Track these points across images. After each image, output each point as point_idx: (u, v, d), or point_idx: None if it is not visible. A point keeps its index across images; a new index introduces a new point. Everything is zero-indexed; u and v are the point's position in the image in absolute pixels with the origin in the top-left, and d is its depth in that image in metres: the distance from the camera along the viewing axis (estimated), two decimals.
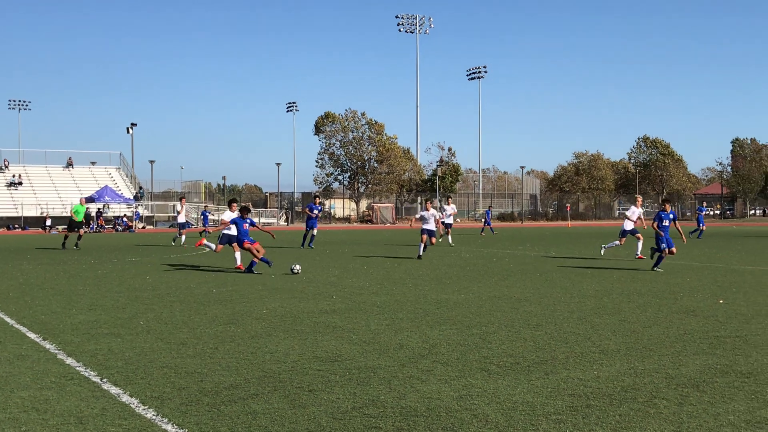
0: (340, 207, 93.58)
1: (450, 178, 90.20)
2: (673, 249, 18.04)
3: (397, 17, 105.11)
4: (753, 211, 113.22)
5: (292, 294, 13.81)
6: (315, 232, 28.94)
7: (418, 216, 24.10)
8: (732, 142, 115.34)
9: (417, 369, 7.43)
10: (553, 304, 12.19)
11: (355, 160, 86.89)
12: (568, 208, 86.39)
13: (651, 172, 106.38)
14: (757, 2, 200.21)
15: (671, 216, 18.22)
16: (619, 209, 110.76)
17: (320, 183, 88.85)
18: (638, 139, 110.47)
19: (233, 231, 19.19)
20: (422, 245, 23.13)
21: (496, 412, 5.95)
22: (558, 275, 17.33)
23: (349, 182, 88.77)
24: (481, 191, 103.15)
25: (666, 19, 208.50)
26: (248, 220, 18.89)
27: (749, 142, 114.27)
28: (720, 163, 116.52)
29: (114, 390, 6.71)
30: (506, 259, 23.02)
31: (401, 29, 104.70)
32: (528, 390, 6.60)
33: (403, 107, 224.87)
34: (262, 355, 8.17)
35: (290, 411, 5.99)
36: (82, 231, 30.76)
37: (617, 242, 23.18)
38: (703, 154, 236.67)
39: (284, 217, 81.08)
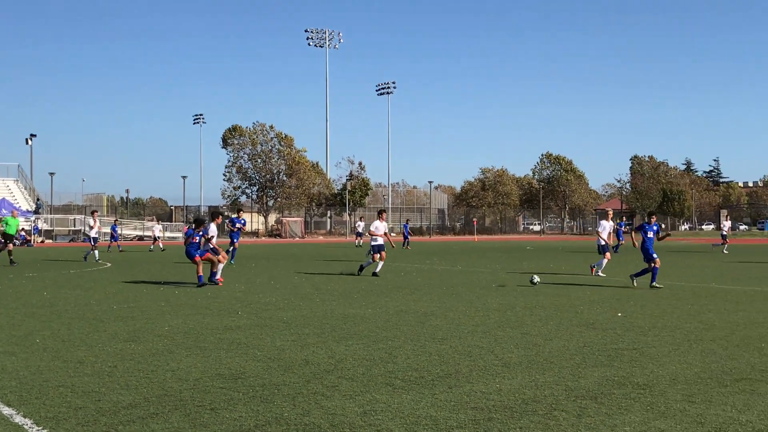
0: (248, 221, 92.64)
1: (360, 192, 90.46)
2: (658, 261, 18.06)
3: (306, 31, 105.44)
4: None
5: (196, 310, 13.56)
6: (237, 245, 28.37)
7: (372, 228, 22.58)
8: (631, 159, 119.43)
9: (322, 385, 7.38)
10: (458, 318, 12.32)
11: (263, 174, 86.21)
12: (475, 223, 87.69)
13: (554, 187, 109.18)
14: (653, 23, 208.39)
15: (655, 228, 18.46)
16: (523, 224, 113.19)
17: (228, 197, 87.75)
18: (542, 155, 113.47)
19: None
20: (370, 262, 21.85)
21: (400, 426, 5.95)
22: (464, 289, 17.54)
23: (257, 196, 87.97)
24: (390, 205, 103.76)
25: (566, 39, 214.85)
26: (202, 233, 18.72)
27: (647, 159, 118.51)
28: (619, 180, 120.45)
29: (6, 410, 6.44)
30: (414, 273, 23.17)
31: (310, 43, 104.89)
32: (431, 404, 6.63)
33: (314, 121, 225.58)
34: (163, 373, 7.97)
35: (190, 430, 5.86)
36: (10, 246, 28.32)
37: (605, 259, 21.97)
38: (604, 171, 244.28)
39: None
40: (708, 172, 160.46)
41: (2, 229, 28.67)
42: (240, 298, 15.52)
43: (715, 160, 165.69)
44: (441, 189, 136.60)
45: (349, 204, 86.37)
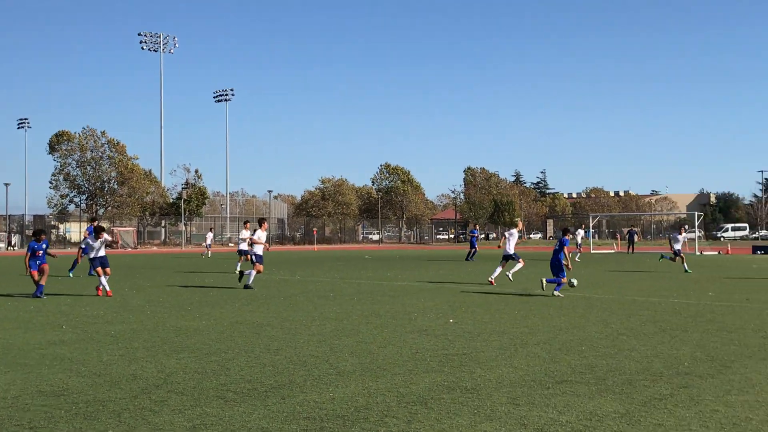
0: (76, 231, 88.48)
1: (196, 201, 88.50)
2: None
3: (139, 35, 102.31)
4: (484, 235, 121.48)
5: (18, 324, 12.81)
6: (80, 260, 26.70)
7: (256, 237, 21.61)
8: (465, 170, 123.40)
9: (150, 400, 7.14)
10: (294, 328, 12.27)
11: (93, 182, 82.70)
12: (315, 232, 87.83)
13: (392, 198, 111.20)
14: (473, 34, 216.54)
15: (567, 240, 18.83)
16: (363, 233, 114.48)
17: (54, 205, 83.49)
18: (381, 166, 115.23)
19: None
20: (251, 272, 20.94)
21: None
22: (302, 299, 17.50)
23: (86, 205, 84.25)
24: (228, 215, 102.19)
25: (399, 53, 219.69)
26: (44, 243, 17.92)
27: (479, 170, 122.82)
28: (454, 191, 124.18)
29: None
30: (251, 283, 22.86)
31: (144, 47, 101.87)
32: (264, 415, 6.56)
33: (148, 128, 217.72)
34: None
35: None
36: None
37: (520, 264, 22.27)
38: (439, 182, 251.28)
39: (9, 242, 73.85)
40: (536, 184, 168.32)
41: None
42: (65, 312, 14.80)
43: (542, 172, 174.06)
44: (281, 198, 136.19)
45: (185, 213, 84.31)
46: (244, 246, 27.08)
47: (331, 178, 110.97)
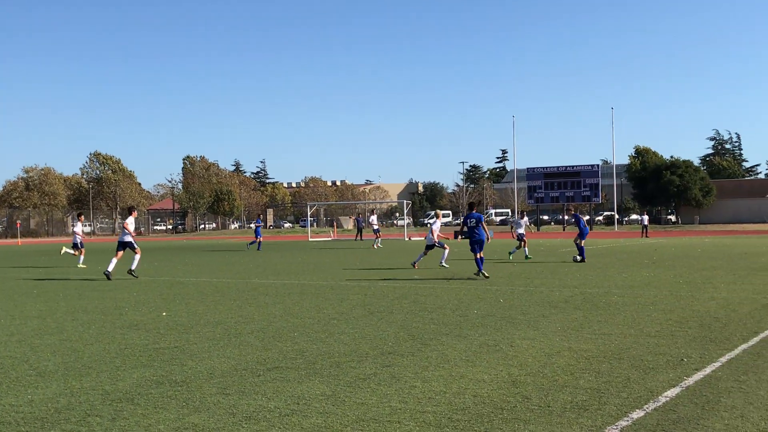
0: None
1: None
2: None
3: None
4: (204, 225, 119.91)
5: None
6: None
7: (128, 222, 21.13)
8: (183, 159, 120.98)
9: None
10: None
11: None
12: (18, 225, 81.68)
13: (104, 187, 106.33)
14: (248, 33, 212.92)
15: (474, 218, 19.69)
16: (72, 225, 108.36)
17: None
18: (90, 154, 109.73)
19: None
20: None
21: None
22: (0, 297, 16.24)
23: None
24: None
25: (111, 41, 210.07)
26: None
27: (199, 159, 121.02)
28: (171, 180, 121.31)
29: None
30: None
31: None
32: None
33: None
34: None
35: None
36: None
37: (446, 251, 23.13)
38: (156, 171, 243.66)
39: None
40: (255, 173, 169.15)
41: None
42: None
43: (261, 162, 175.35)
44: None
45: None
46: None
47: (35, 167, 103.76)
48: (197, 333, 10.68)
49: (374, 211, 30.38)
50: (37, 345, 9.84)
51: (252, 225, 36.59)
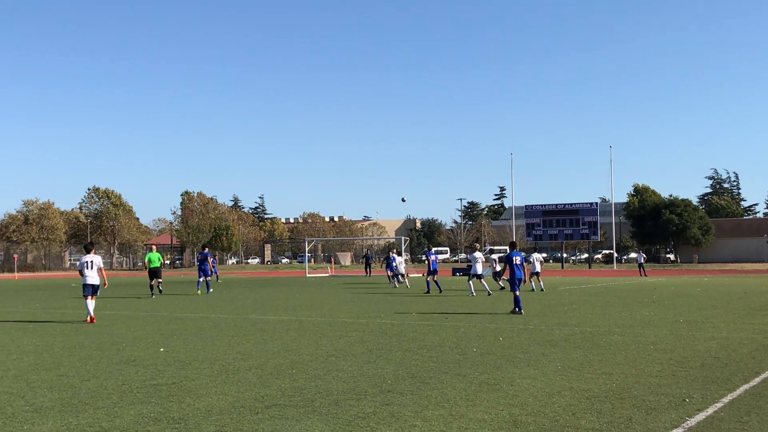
0: None
1: None
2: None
3: None
4: None
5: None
6: None
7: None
8: (182, 194, 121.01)
9: None
10: None
11: None
12: (15, 259, 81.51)
13: (103, 222, 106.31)
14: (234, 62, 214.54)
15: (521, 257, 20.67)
16: (70, 259, 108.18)
17: None
18: (89, 189, 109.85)
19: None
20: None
21: None
22: None
23: None
24: None
25: (110, 70, 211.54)
26: None
27: (197, 195, 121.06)
28: (174, 213, 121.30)
29: None
30: None
31: None
32: None
33: None
34: None
35: None
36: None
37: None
38: (154, 206, 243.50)
39: None
40: (254, 209, 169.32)
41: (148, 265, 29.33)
42: None
43: (260, 197, 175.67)
44: None
45: None
46: None
47: (35, 201, 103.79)
48: (195, 369, 10.60)
49: (398, 252, 30.26)
50: (33, 380, 9.76)
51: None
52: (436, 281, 30.18)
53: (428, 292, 29.70)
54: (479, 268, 26.79)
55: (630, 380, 9.43)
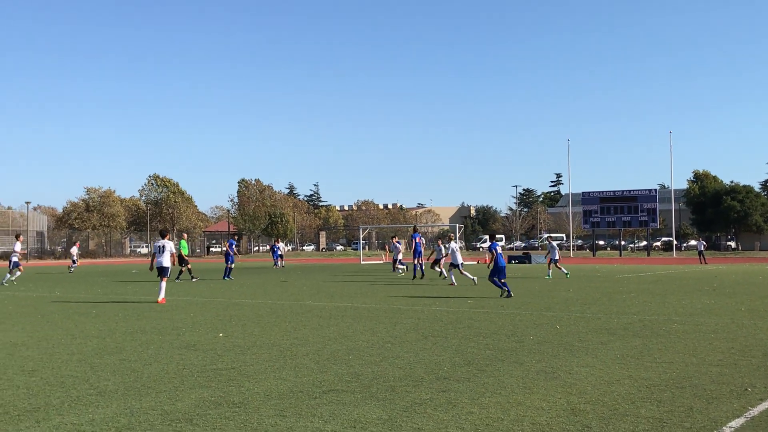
0: None
1: None
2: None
3: None
4: (258, 248, 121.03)
5: None
6: None
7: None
8: (239, 182, 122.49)
9: None
10: (52, 347, 11.59)
11: None
12: (78, 246, 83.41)
13: (162, 209, 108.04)
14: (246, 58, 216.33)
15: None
16: (130, 246, 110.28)
17: None
18: (149, 177, 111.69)
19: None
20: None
21: None
22: (61, 317, 16.56)
23: None
24: None
25: (166, 61, 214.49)
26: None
27: (254, 182, 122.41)
28: (231, 200, 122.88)
29: None
30: (5, 301, 21.36)
31: None
32: None
33: None
34: None
35: None
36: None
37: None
38: (212, 193, 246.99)
39: None
40: (309, 196, 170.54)
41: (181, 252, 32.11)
42: None
43: (315, 185, 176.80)
44: (41, 210, 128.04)
45: None
46: (16, 258, 29.63)
47: (97, 188, 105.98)
48: (254, 354, 10.75)
49: (450, 237, 29.68)
50: (97, 365, 10.00)
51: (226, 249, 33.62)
52: (420, 264, 31.81)
53: (415, 276, 31.56)
54: (459, 258, 27.16)
55: (690, 369, 9.29)
